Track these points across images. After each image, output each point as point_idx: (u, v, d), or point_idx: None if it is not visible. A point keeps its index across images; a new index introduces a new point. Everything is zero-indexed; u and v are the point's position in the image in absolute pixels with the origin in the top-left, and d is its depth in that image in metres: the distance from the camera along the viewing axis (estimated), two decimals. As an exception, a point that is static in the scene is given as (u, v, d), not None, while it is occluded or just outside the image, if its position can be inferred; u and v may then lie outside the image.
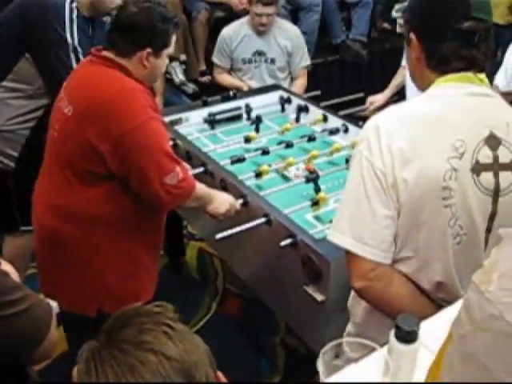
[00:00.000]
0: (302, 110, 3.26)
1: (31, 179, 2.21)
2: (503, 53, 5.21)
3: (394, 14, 2.26)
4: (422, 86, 1.49)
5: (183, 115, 3.15)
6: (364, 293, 1.40)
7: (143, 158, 1.94)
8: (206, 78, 4.86)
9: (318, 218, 2.35)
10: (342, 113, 3.18)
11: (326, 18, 5.44)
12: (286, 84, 3.94)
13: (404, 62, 3.50)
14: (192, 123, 3.13)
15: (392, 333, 1.09)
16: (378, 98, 3.53)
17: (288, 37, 3.84)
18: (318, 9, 5.25)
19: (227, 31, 3.88)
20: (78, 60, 2.53)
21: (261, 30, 3.76)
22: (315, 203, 2.33)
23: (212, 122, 3.12)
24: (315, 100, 3.41)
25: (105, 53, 2.04)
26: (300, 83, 3.95)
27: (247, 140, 2.88)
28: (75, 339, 2.13)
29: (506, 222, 1.39)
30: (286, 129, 3.00)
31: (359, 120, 3.14)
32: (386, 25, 6.42)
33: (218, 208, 2.21)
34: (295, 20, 5.24)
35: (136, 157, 1.94)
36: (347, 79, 5.77)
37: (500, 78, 2.85)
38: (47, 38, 2.51)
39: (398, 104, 1.48)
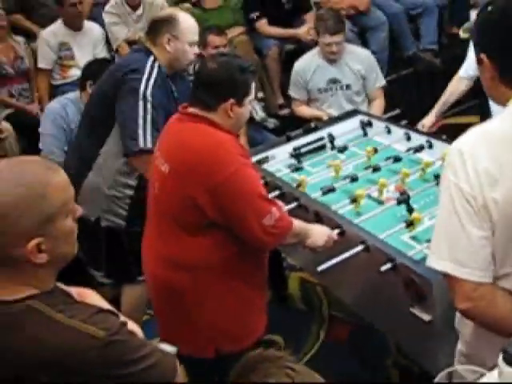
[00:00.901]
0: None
1: (142, 234, 2.37)
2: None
3: (462, 34, 2.24)
4: (501, 102, 1.52)
5: (269, 153, 3.25)
6: (469, 313, 1.44)
7: (240, 205, 2.04)
8: (285, 111, 4.97)
9: (414, 238, 2.37)
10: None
11: (396, 31, 5.45)
12: (363, 107, 4.00)
13: (462, 73, 3.44)
14: (279, 160, 3.23)
15: (500, 357, 1.13)
16: (428, 121, 3.49)
17: (360, 61, 3.92)
18: (385, 27, 5.29)
19: (299, 64, 3.99)
20: (145, 108, 2.69)
21: (332, 59, 3.85)
22: (410, 224, 2.37)
23: (298, 155, 3.21)
24: (396, 119, 3.44)
25: (191, 109, 2.17)
26: (378, 104, 4.01)
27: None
28: (196, 381, 2.28)
29: None
30: (369, 152, 3.05)
31: (442, 133, 3.16)
32: (455, 29, 6.35)
33: (316, 241, 2.28)
34: (364, 41, 5.30)
35: (233, 204, 2.04)
36: (424, 90, 5.75)
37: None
38: (123, 92, 2.72)
39: (479, 125, 1.52)
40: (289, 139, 3.35)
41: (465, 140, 1.44)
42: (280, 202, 2.33)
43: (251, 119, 4.60)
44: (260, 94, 4.76)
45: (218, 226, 2.09)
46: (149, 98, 2.70)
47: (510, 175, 1.35)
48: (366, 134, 3.41)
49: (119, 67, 2.88)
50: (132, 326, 1.54)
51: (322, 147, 3.33)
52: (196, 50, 2.87)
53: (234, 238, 2.11)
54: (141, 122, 2.67)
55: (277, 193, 2.81)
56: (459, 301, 1.42)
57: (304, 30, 4.89)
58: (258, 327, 2.28)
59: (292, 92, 4.07)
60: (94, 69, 3.44)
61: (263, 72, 4.91)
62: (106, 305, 1.56)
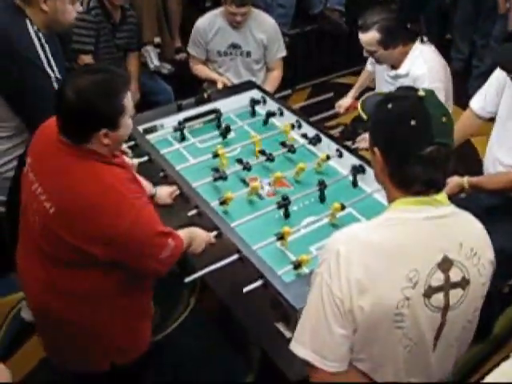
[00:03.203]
0: (272, 115, 3.30)
1: None
2: (484, 23, 5.22)
3: (361, 113, 2.04)
4: (388, 198, 1.55)
5: (158, 122, 3.17)
6: None
7: (138, 250, 1.96)
8: (181, 56, 4.81)
9: (287, 248, 2.43)
10: (313, 119, 3.21)
11: (305, -13, 5.36)
12: (261, 74, 3.96)
13: (368, 66, 3.55)
14: (167, 131, 3.16)
15: None
16: (344, 102, 3.55)
17: (264, 30, 3.81)
18: (295, -19, 5.17)
19: (202, 22, 3.82)
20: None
21: (235, 26, 3.72)
22: (281, 237, 2.39)
23: (182, 131, 3.14)
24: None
25: (64, 139, 1.94)
26: (275, 75, 3.96)
27: (215, 155, 2.89)
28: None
29: (453, 331, 1.50)
30: (255, 141, 3.03)
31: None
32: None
33: (196, 249, 2.29)
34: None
35: (130, 251, 1.95)
36: (326, 49, 5.75)
37: (477, 100, 2.85)
38: (23, 72, 2.45)
39: (360, 226, 1.58)
40: (180, 109, 3.26)
41: (345, 241, 1.47)
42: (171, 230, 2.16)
43: (145, 66, 4.43)
44: (157, 40, 4.56)
45: (110, 264, 1.98)
46: (60, 77, 2.50)
47: (379, 287, 1.40)
48: (254, 114, 3.39)
49: None
50: None
51: (212, 121, 3.29)
52: (79, 8, 2.60)
53: (121, 269, 2.03)
54: None
55: (161, 174, 2.76)
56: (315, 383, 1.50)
57: (212, -24, 4.68)
58: (145, 338, 2.28)
59: (191, 49, 3.92)
60: None
61: (163, 15, 4.67)
62: None
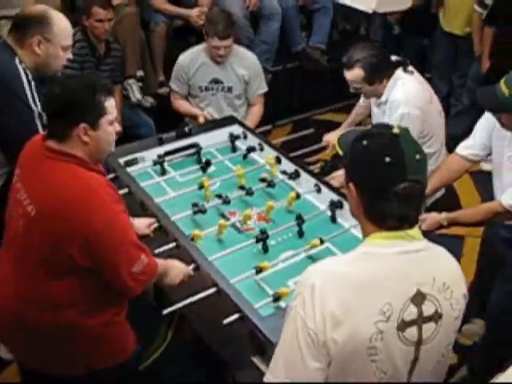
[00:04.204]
0: (252, 150, 3.34)
1: None
2: (461, 64, 5.36)
3: (338, 148, 1.94)
4: (363, 233, 1.58)
5: (138, 155, 3.19)
6: None
7: (111, 253, 1.99)
8: (164, 90, 4.83)
9: (264, 281, 2.43)
10: (293, 154, 3.24)
11: (286, 25, 5.44)
12: (242, 110, 4.01)
13: (361, 101, 3.56)
14: (147, 164, 3.17)
15: None
16: (333, 136, 3.51)
17: (245, 66, 3.86)
18: (279, 17, 5.27)
19: (184, 58, 3.87)
20: (43, 126, 2.52)
21: (218, 61, 3.78)
22: (259, 271, 2.41)
23: (162, 164, 3.17)
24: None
25: (49, 143, 2.03)
26: (256, 110, 4.01)
27: (201, 187, 2.93)
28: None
29: (427, 365, 1.51)
30: (239, 174, 3.06)
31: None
32: (348, 26, 6.46)
33: (173, 280, 2.30)
34: (255, 28, 5.26)
35: (105, 252, 1.99)
36: (308, 86, 5.84)
37: (466, 144, 2.86)
38: (8, 106, 2.49)
39: (335, 259, 1.62)
40: (161, 142, 3.29)
41: (320, 274, 1.48)
42: (146, 248, 2.20)
43: (127, 99, 4.46)
44: (140, 73, 4.60)
45: (86, 270, 2.02)
46: (43, 115, 2.51)
47: (352, 321, 1.41)
48: (235, 149, 3.42)
49: None
50: None
51: (193, 155, 3.32)
52: (70, 55, 2.67)
53: (96, 280, 2.06)
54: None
55: (139, 206, 2.77)
56: None
57: (196, 14, 4.75)
58: (128, 343, 2.28)
59: (173, 84, 3.96)
60: None
61: (146, 49, 4.72)
62: None
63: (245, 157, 3.33)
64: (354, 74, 2.99)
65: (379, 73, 3.01)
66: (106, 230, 1.95)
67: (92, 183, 2.00)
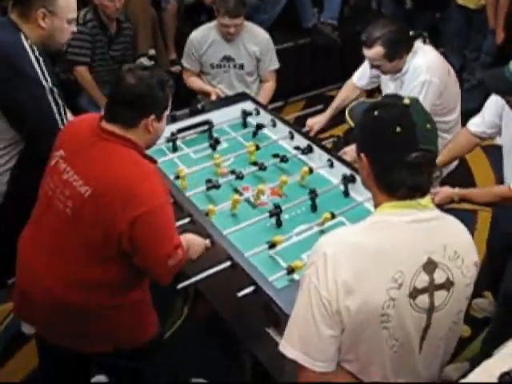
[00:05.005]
0: (262, 126, 3.35)
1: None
2: (475, 38, 5.31)
3: (348, 120, 2.03)
4: (374, 203, 1.60)
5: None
6: None
7: (153, 240, 2.04)
8: (176, 68, 4.84)
9: (278, 254, 2.47)
10: (305, 129, 3.26)
11: (298, 1, 5.43)
12: (254, 86, 4.00)
13: (356, 81, 3.45)
14: (161, 141, 3.16)
15: None
16: (317, 121, 3.45)
17: (257, 42, 3.86)
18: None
19: (195, 35, 3.88)
20: (56, 102, 2.52)
21: (229, 38, 3.78)
22: (272, 245, 2.44)
23: (174, 141, 3.19)
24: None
25: (108, 126, 2.08)
26: (268, 86, 4.00)
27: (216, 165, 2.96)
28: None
29: (438, 332, 1.53)
30: (251, 151, 3.08)
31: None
32: (359, 1, 6.40)
33: (192, 256, 2.32)
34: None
35: (147, 237, 2.03)
36: (319, 63, 5.82)
37: (475, 121, 2.83)
38: (20, 85, 2.48)
39: (347, 229, 1.66)
40: (174, 119, 3.31)
41: (332, 243, 1.51)
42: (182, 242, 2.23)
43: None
44: (151, 52, 4.60)
45: (124, 256, 2.07)
46: (55, 89, 2.52)
47: (365, 289, 1.44)
48: (245, 125, 3.43)
49: None
50: None
51: (205, 132, 3.33)
52: (74, 28, 2.63)
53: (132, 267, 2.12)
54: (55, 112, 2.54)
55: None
56: (303, 382, 1.53)
57: (207, -9, 4.75)
58: (152, 325, 2.37)
59: (185, 62, 3.97)
60: None
61: (158, 27, 4.73)
62: None
63: (254, 134, 3.33)
64: (374, 52, 2.95)
65: (399, 49, 2.97)
66: (153, 213, 2.00)
67: (150, 168, 2.09)
